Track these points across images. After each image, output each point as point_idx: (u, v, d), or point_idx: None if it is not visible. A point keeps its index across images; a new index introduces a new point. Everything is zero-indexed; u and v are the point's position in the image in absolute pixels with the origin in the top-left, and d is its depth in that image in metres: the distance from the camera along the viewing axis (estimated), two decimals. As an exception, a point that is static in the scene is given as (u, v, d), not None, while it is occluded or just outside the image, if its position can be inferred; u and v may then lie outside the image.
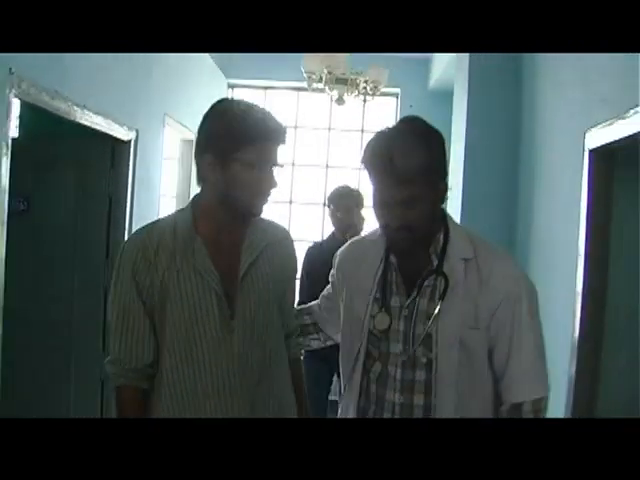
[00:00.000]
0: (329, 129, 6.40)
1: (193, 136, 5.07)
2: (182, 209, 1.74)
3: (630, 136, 2.01)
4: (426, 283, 1.59)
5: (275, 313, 1.75)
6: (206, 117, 1.64)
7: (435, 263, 1.58)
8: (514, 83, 3.70)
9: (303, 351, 2.05)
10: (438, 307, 1.55)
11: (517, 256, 3.32)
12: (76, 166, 3.55)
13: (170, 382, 1.65)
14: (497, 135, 3.73)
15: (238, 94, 6.38)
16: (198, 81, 5.23)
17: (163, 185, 4.42)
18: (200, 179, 1.67)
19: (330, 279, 1.87)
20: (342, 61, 4.47)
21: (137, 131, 3.63)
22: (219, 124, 1.61)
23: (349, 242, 1.84)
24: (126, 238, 3.54)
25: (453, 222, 1.64)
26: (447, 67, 5.06)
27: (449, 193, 1.60)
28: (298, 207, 6.42)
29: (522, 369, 1.57)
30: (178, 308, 1.63)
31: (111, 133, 3.33)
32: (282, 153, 1.67)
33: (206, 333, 1.64)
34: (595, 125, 2.35)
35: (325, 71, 4.44)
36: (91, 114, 3.02)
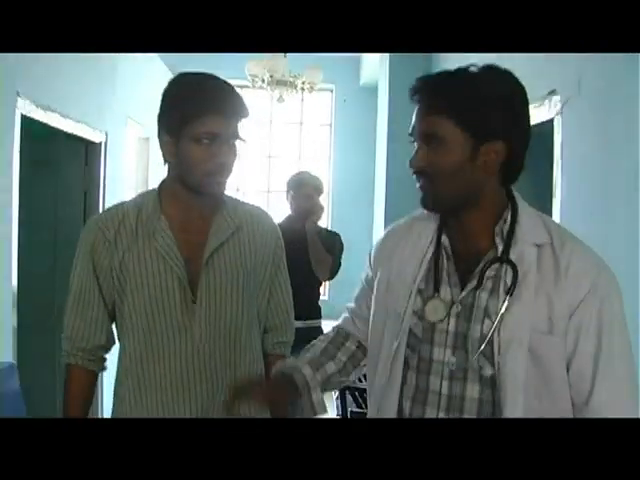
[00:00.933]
0: (270, 122, 7.03)
1: (147, 133, 5.62)
2: (149, 190, 1.66)
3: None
4: (488, 273, 1.22)
5: (246, 302, 1.61)
6: (162, 95, 1.54)
7: (500, 248, 1.23)
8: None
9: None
10: (505, 304, 1.19)
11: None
12: (55, 165, 4.07)
13: (128, 369, 1.58)
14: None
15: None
16: (151, 83, 5.75)
17: (127, 179, 4.96)
18: (164, 160, 1.57)
19: (363, 282, 1.50)
20: (282, 65, 5.10)
21: (106, 133, 4.18)
22: (170, 100, 1.52)
23: (387, 230, 1.48)
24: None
25: (522, 202, 1.29)
26: (375, 65, 5.75)
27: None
28: (243, 196, 7.04)
29: (614, 392, 1.17)
30: (138, 291, 1.54)
31: (85, 136, 3.87)
32: (241, 126, 1.54)
33: (166, 319, 1.54)
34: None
35: (267, 74, 5.06)
36: (70, 121, 3.56)
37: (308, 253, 3.33)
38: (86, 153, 4.09)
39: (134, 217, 1.57)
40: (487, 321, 1.21)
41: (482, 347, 1.20)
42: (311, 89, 5.33)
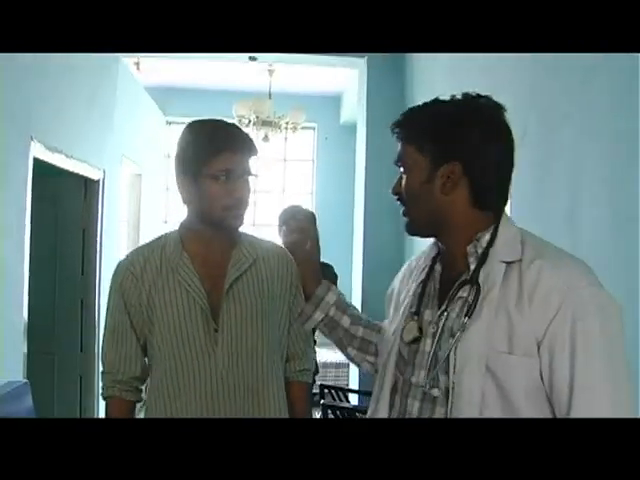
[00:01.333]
0: (257, 159, 7.41)
1: (140, 170, 5.95)
2: (171, 231, 1.77)
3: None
4: (460, 293, 1.25)
5: (266, 330, 1.67)
6: (178, 142, 1.65)
7: (472, 268, 1.25)
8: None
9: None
10: (464, 322, 1.20)
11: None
12: (54, 202, 4.37)
13: (157, 395, 1.65)
14: (390, 165, 4.76)
15: (174, 130, 7.28)
16: (142, 121, 6.10)
17: (121, 213, 5.28)
18: (183, 200, 1.67)
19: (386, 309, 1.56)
20: (267, 107, 5.48)
21: (104, 171, 4.49)
22: (186, 145, 1.62)
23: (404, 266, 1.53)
24: (97, 260, 4.46)
25: (509, 223, 1.29)
26: (354, 105, 6.15)
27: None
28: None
29: (591, 415, 1.10)
30: (165, 322, 1.63)
31: (84, 174, 4.19)
32: (253, 163, 1.66)
33: (191, 347, 1.62)
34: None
35: (253, 115, 5.43)
36: (74, 161, 3.87)
37: None
38: (85, 190, 4.41)
39: (158, 255, 1.67)
40: (451, 341, 1.21)
41: (439, 365, 1.22)
42: (294, 129, 5.71)
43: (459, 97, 1.29)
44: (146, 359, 1.72)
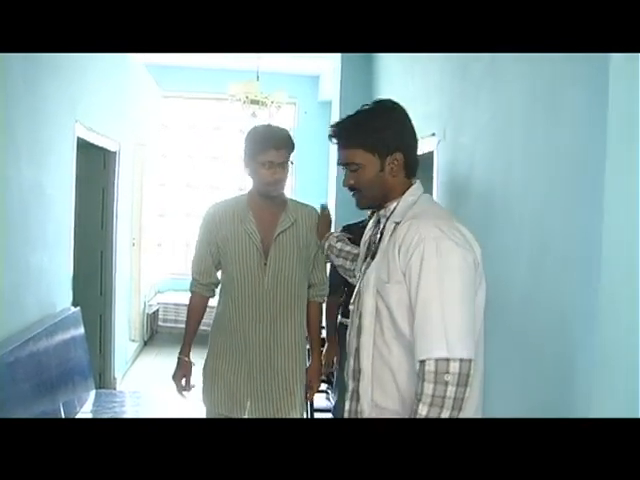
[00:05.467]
0: (243, 132, 8.22)
1: (143, 140, 6.75)
2: (242, 194, 2.55)
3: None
4: (374, 246, 1.74)
5: (300, 266, 2.45)
6: (244, 140, 2.42)
7: (380, 227, 1.73)
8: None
9: None
10: (368, 262, 1.72)
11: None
12: (81, 169, 5.18)
13: (227, 297, 2.47)
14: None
15: (170, 103, 8.07)
16: (143, 96, 6.88)
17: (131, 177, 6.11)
18: (248, 175, 2.44)
19: None
20: (256, 87, 6.31)
21: (119, 143, 5.32)
22: (247, 141, 2.39)
23: None
24: (114, 219, 5.30)
25: (412, 193, 1.70)
26: (330, 85, 6.99)
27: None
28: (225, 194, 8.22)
29: (422, 322, 1.49)
30: (233, 255, 2.43)
31: (106, 147, 5.01)
32: (291, 155, 2.38)
33: (248, 272, 2.42)
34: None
35: (244, 95, 6.27)
36: (100, 136, 4.70)
37: None
38: (104, 159, 5.22)
39: (232, 209, 2.47)
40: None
41: (356, 296, 1.72)
42: (278, 107, 6.56)
43: (377, 105, 1.72)
44: (219, 273, 2.56)
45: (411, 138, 1.72)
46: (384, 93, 5.09)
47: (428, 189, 3.43)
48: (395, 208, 1.69)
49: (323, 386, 5.01)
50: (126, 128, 5.71)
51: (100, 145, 4.83)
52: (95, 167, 5.23)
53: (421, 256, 1.50)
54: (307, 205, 2.56)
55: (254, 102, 6.35)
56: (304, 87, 8.00)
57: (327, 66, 6.58)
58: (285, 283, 2.43)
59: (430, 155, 3.41)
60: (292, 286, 2.44)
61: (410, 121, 1.71)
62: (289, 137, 2.40)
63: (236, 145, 8.26)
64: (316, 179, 7.87)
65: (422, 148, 3.57)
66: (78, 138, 4.14)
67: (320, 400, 5.11)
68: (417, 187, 1.71)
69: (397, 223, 1.63)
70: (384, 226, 1.70)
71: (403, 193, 1.69)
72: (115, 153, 5.25)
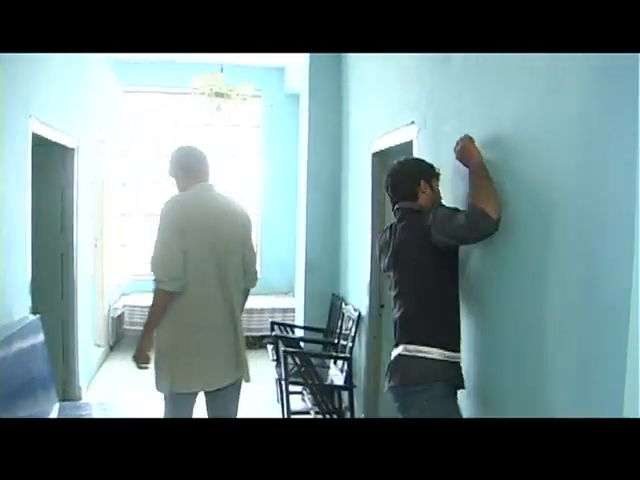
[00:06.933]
0: (208, 125, 8.00)
1: (103, 136, 6.48)
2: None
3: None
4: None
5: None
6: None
7: None
8: (339, 100, 5.49)
9: None
10: None
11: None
12: (37, 168, 4.92)
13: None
14: (328, 132, 5.47)
15: (131, 98, 7.80)
16: (104, 91, 6.62)
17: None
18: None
19: None
20: (220, 80, 6.09)
21: (78, 139, 5.07)
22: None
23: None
24: (74, 218, 5.05)
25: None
26: (296, 77, 6.81)
27: None
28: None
29: None
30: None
31: (64, 143, 4.76)
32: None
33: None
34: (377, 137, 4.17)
35: (208, 88, 6.04)
36: (57, 131, 4.45)
37: None
38: (62, 157, 4.96)
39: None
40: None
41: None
42: (244, 100, 6.35)
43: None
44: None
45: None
46: (355, 87, 4.99)
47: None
48: None
49: (298, 387, 4.92)
50: (85, 124, 5.45)
51: (58, 141, 4.59)
52: (53, 165, 4.98)
53: None
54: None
55: (219, 95, 6.13)
56: (270, 79, 7.78)
57: (293, 58, 6.39)
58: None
59: (409, 145, 3.26)
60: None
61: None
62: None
63: (200, 140, 8.03)
64: (284, 171, 7.75)
65: (399, 138, 3.60)
66: (33, 134, 3.89)
67: (297, 403, 4.97)
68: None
69: None
70: None
71: None
72: (74, 150, 5.00)
